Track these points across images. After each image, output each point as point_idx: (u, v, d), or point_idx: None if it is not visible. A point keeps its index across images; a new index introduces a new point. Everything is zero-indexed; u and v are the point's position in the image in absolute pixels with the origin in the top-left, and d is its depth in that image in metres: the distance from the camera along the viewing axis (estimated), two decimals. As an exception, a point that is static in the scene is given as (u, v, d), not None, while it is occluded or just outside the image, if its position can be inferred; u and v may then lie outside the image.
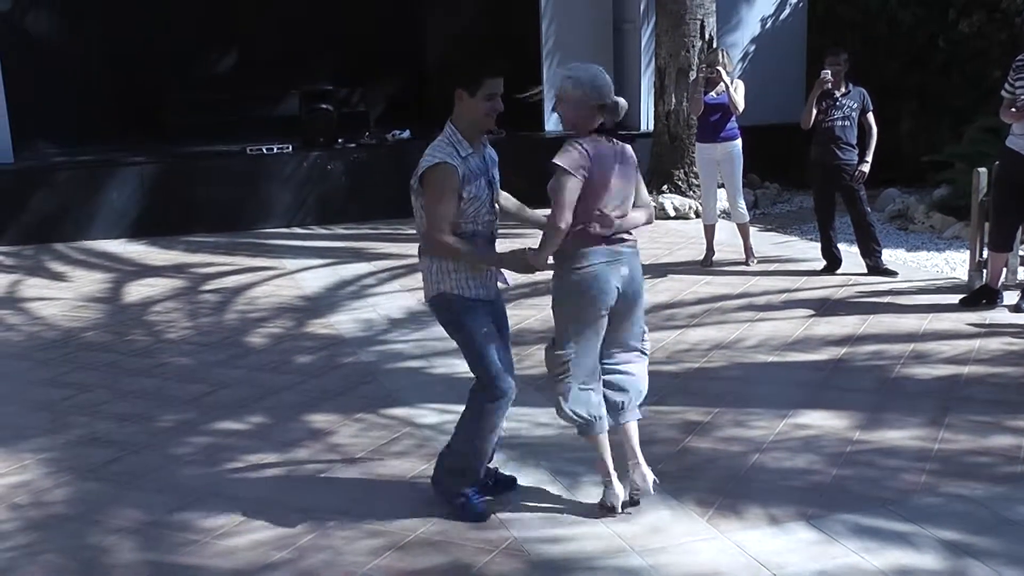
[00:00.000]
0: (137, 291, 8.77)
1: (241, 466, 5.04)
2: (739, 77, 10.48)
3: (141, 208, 11.19)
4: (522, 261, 4.22)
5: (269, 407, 5.86)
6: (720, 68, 8.69)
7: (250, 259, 9.93)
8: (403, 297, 8.28)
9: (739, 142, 8.91)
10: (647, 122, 12.99)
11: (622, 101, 4.35)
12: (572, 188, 4.16)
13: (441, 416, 5.61)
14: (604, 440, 4.42)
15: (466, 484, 4.43)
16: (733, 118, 8.84)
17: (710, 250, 9.15)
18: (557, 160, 4.21)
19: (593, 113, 4.30)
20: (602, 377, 4.42)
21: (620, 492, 4.42)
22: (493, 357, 4.31)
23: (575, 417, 4.39)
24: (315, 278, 9.09)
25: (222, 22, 13.92)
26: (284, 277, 9.17)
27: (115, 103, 13.41)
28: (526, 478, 4.77)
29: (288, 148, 11.70)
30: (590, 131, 4.30)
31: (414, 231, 4.48)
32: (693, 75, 11.41)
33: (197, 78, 13.95)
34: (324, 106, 12.14)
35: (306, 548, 4.20)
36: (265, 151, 11.60)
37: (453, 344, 4.51)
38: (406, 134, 12.57)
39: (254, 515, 4.49)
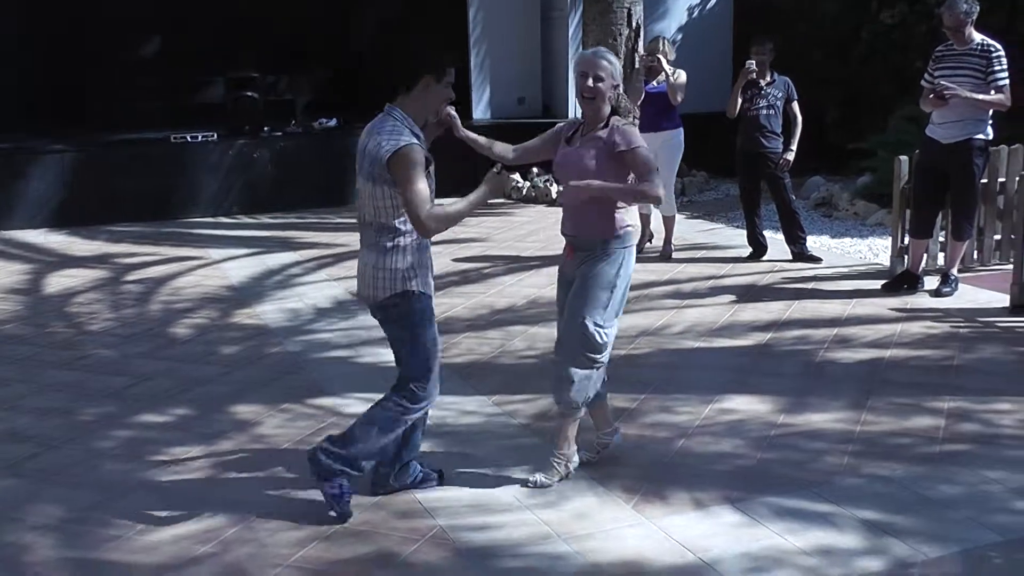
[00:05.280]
0: (58, 282, 8.59)
1: (164, 459, 4.96)
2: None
3: (63, 197, 10.97)
4: (497, 182, 4.21)
5: (193, 399, 5.78)
6: (660, 57, 8.66)
7: (174, 249, 9.78)
8: (329, 287, 8.21)
9: (680, 132, 8.89)
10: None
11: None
12: None
13: (367, 405, 5.52)
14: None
15: (348, 476, 4.32)
16: (676, 107, 8.82)
17: (643, 238, 9.09)
18: (639, 140, 4.43)
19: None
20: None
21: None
22: (435, 362, 4.32)
23: (587, 399, 4.56)
24: (241, 268, 8.98)
25: (146, 6, 13.65)
26: (209, 267, 9.05)
27: (35, 89, 13.09)
28: (452, 467, 4.75)
29: (213, 136, 11.54)
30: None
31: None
32: (623, 63, 11.48)
33: (120, 64, 13.67)
34: (249, 93, 11.99)
35: (230, 541, 4.14)
36: (189, 139, 11.43)
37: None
38: (333, 123, 12.48)
39: (177, 509, 4.42)
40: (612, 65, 4.47)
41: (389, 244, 4.17)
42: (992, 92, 7.09)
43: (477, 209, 4.27)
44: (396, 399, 4.31)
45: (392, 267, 4.17)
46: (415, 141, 4.08)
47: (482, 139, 4.75)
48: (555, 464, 4.58)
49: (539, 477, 4.54)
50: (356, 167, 4.31)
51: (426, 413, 4.53)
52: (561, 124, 4.64)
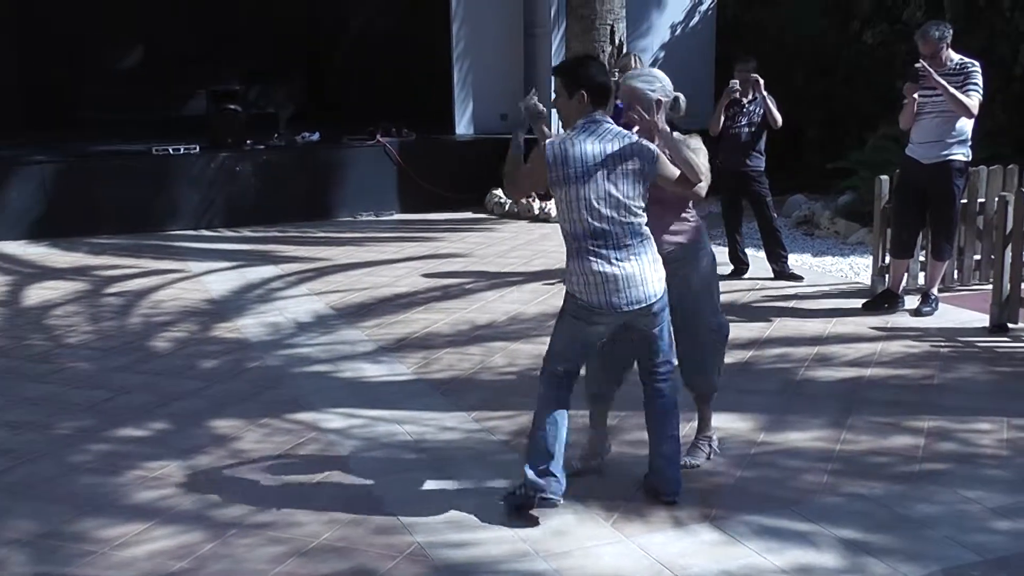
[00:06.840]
0: (37, 294, 8.54)
1: (141, 474, 4.92)
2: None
3: (43, 208, 10.91)
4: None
5: (171, 413, 5.74)
6: None
7: (155, 261, 9.74)
8: (310, 301, 8.19)
9: None
10: (557, 125, 13.03)
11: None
12: None
13: (347, 420, 5.55)
14: None
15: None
16: None
17: None
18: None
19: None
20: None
21: None
22: None
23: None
24: (221, 281, 8.95)
25: (129, 17, 13.63)
26: (189, 280, 9.01)
27: (16, 99, 13.05)
28: (430, 482, 4.73)
29: (195, 148, 11.50)
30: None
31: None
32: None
33: (102, 75, 13.66)
34: (233, 106, 11.96)
35: (206, 557, 4.11)
36: (172, 151, 11.38)
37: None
38: (315, 136, 12.46)
39: (153, 524, 4.39)
40: (638, 83, 4.79)
41: (647, 239, 4.45)
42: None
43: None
44: (670, 382, 4.63)
45: (658, 258, 4.48)
46: None
47: None
48: (700, 446, 4.97)
49: (688, 460, 4.83)
50: (592, 172, 4.39)
51: None
52: None
